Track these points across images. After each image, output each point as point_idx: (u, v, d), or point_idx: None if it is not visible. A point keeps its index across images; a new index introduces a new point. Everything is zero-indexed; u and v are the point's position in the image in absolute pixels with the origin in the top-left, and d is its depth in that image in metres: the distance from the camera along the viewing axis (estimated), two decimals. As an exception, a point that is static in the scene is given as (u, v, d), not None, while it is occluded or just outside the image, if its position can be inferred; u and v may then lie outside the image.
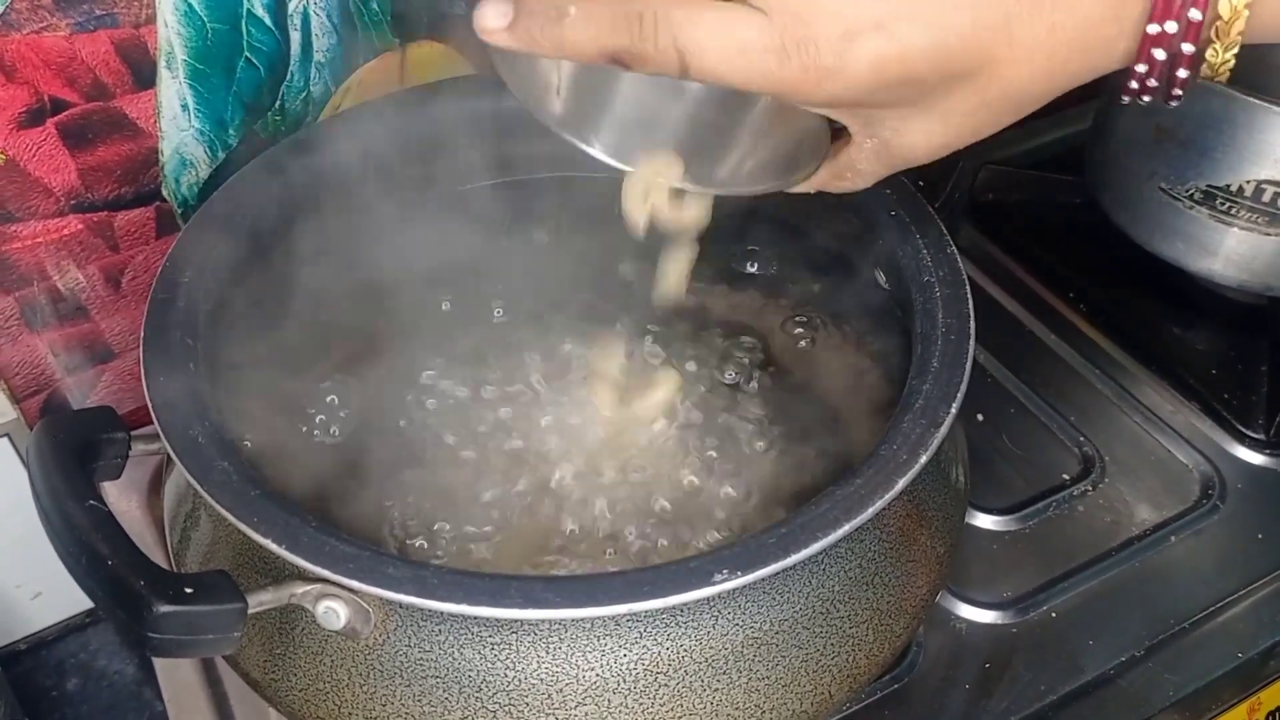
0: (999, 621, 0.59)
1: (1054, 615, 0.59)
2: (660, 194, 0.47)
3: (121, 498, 0.64)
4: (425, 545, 0.51)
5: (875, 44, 0.37)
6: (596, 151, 0.45)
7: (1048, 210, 0.81)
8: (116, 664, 0.71)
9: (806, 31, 0.37)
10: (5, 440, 0.64)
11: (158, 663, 0.61)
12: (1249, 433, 0.68)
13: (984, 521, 0.63)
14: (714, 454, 0.54)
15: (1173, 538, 0.63)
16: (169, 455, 0.43)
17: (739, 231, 0.61)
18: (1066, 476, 0.66)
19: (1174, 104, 0.42)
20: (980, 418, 0.68)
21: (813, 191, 0.47)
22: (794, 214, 0.59)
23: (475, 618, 0.41)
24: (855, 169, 0.45)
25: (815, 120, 0.46)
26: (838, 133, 0.46)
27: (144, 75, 0.58)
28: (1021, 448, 0.67)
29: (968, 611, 0.59)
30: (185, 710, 0.58)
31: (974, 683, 0.56)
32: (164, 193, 0.62)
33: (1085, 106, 0.81)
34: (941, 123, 0.41)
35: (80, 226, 0.60)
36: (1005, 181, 0.83)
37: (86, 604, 0.72)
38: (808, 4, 0.37)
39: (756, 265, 0.61)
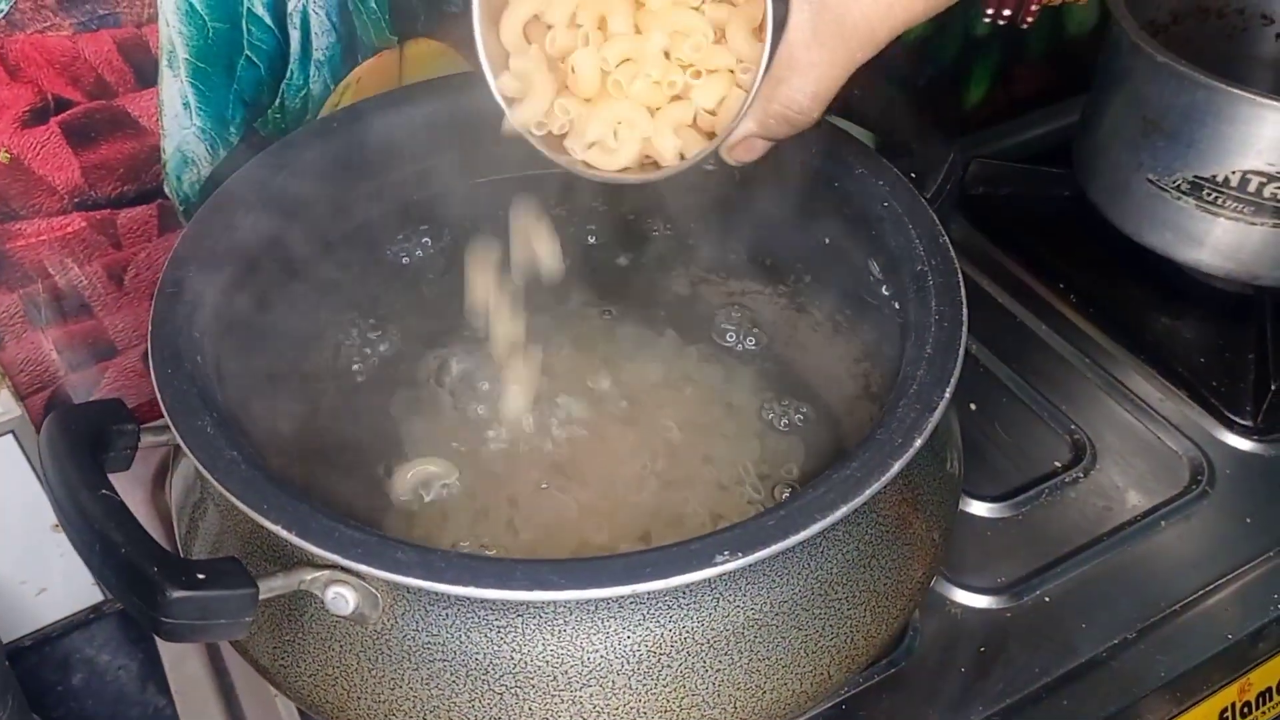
0: (993, 606, 0.60)
1: (1047, 599, 0.60)
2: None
3: (125, 492, 0.64)
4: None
5: None
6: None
7: (1037, 203, 0.82)
8: (121, 659, 0.71)
9: None
10: (10, 437, 0.65)
11: (164, 655, 0.61)
12: (1237, 419, 0.69)
13: (978, 509, 0.64)
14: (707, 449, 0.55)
15: (1163, 523, 0.64)
16: (178, 445, 0.44)
17: (733, 224, 0.62)
18: (1058, 464, 0.67)
19: (1025, 26, 0.44)
20: (973, 407, 0.69)
21: (757, 132, 0.45)
22: (789, 207, 0.60)
23: (481, 600, 0.42)
24: (793, 63, 0.43)
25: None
26: None
27: (146, 74, 0.58)
28: (1014, 436, 0.68)
29: (963, 596, 0.60)
30: (192, 702, 0.59)
31: (970, 666, 0.57)
32: (166, 190, 0.62)
33: (1074, 100, 0.82)
34: None
35: (83, 224, 0.61)
36: (995, 174, 0.84)
37: (90, 600, 0.73)
38: None
39: (751, 258, 0.62)
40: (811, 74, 0.43)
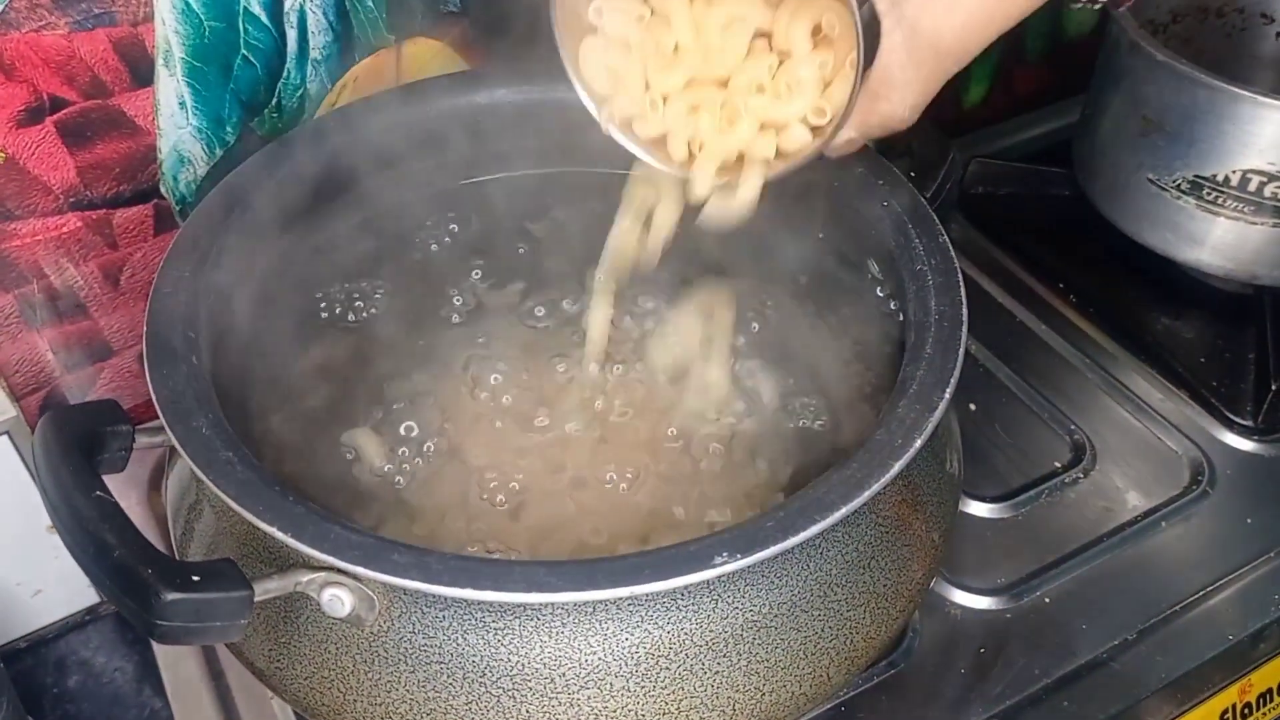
0: (993, 607, 0.59)
1: (1047, 600, 0.60)
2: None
3: (121, 494, 0.64)
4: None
5: None
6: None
7: (1037, 202, 0.82)
8: (117, 661, 0.71)
9: None
10: (5, 438, 0.64)
11: (160, 658, 0.61)
12: (1237, 419, 0.68)
13: (978, 509, 0.64)
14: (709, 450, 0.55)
15: (1163, 523, 0.64)
16: (173, 447, 0.44)
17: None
18: (1058, 464, 0.67)
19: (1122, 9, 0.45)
20: (973, 407, 0.69)
21: (857, 138, 0.48)
22: (787, 206, 0.60)
23: (478, 602, 0.41)
24: (890, 80, 0.45)
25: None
26: None
27: (142, 73, 0.58)
28: (1014, 436, 0.68)
29: (963, 598, 0.60)
30: (188, 704, 0.59)
31: (969, 667, 0.57)
32: (162, 190, 0.62)
33: (1074, 100, 0.82)
34: None
35: (79, 224, 0.61)
36: (995, 174, 0.84)
37: (86, 602, 0.72)
38: None
39: (749, 257, 0.62)
40: (909, 90, 0.46)
